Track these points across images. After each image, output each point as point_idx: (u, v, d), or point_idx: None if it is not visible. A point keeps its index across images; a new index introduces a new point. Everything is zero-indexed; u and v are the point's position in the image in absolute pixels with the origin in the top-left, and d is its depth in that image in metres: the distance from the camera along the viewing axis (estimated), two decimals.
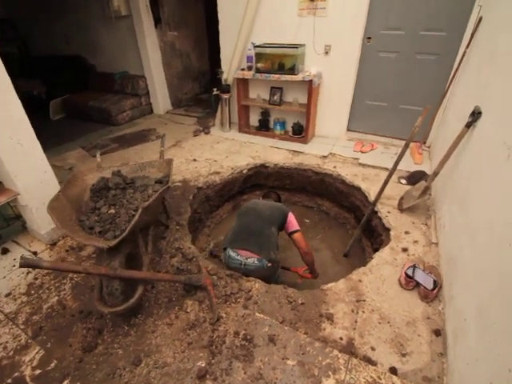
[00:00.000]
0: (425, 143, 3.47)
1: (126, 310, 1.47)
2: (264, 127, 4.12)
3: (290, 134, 3.92)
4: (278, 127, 3.97)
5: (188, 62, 5.53)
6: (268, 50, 3.50)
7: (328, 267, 2.80)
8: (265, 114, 4.12)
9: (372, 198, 2.74)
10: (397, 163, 2.49)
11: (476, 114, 1.84)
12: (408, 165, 3.13)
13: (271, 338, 1.55)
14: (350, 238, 3.01)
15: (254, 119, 4.24)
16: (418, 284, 1.75)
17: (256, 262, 1.88)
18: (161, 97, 5.09)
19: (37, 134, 4.31)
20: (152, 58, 4.69)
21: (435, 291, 1.68)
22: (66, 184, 1.91)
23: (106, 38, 5.05)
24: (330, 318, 1.65)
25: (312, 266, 2.21)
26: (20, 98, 4.95)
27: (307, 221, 3.39)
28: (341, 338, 1.55)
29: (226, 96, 3.98)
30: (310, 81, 3.34)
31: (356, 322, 1.63)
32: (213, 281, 1.86)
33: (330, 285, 1.86)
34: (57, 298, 1.88)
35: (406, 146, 2.29)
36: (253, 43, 3.65)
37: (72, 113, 5.31)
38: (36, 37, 5.97)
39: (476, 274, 1.36)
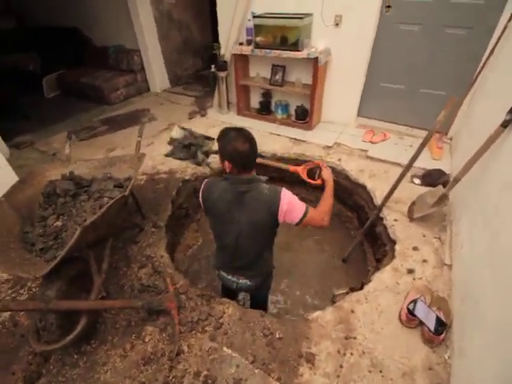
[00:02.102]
0: (446, 134, 3.00)
1: (63, 347, 1.24)
2: (265, 110, 3.71)
3: (293, 118, 3.50)
4: (280, 111, 3.55)
5: (188, 34, 5.04)
6: (268, 21, 3.01)
7: (323, 273, 2.51)
8: (266, 96, 3.69)
9: (378, 199, 2.38)
10: (411, 163, 2.10)
11: None
12: (424, 160, 2.69)
13: (237, 383, 1.31)
14: (351, 241, 2.70)
15: (255, 101, 3.82)
16: (421, 323, 1.44)
17: (249, 282, 1.60)
18: (157, 73, 4.70)
19: (28, 114, 4.14)
20: (146, 30, 4.25)
21: (442, 336, 1.37)
22: (17, 185, 1.66)
23: (100, 7, 4.60)
24: (310, 359, 1.38)
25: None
26: (16, 75, 4.68)
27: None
28: None
29: (222, 74, 3.56)
30: (316, 58, 2.88)
31: (341, 367, 1.36)
32: (180, 301, 1.61)
33: (315, 314, 1.58)
34: (10, 312, 1.69)
35: (423, 145, 1.89)
36: (253, 13, 3.17)
37: (67, 90, 5.02)
38: (32, 7, 5.56)
39: (500, 330, 1.03)
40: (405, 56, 2.90)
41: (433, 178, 2.48)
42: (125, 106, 4.37)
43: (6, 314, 1.68)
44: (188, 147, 1.93)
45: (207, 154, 1.92)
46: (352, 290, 2.07)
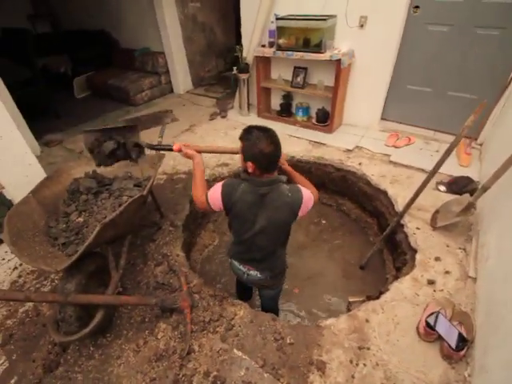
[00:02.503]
0: (476, 140, 2.85)
1: (80, 339, 1.29)
2: (286, 112, 3.70)
3: (314, 121, 3.46)
4: (301, 113, 3.52)
5: (212, 36, 5.12)
6: (291, 23, 3.00)
7: (339, 279, 2.46)
8: (287, 98, 3.67)
9: (400, 206, 2.30)
10: (436, 169, 2.01)
11: None
12: (451, 166, 2.58)
13: None
14: (370, 247, 2.62)
15: (276, 102, 3.81)
16: (440, 337, 1.37)
17: (259, 275, 1.58)
18: (181, 75, 4.80)
19: (59, 113, 4.36)
20: (171, 33, 4.36)
21: (462, 353, 1.29)
22: (44, 182, 1.74)
23: (127, 10, 4.77)
24: (321, 367, 1.35)
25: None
26: (49, 76, 4.95)
27: (324, 222, 3.02)
28: None
29: (244, 76, 3.58)
30: (339, 60, 2.83)
31: (353, 377, 1.32)
32: (193, 301, 1.63)
33: (328, 321, 1.55)
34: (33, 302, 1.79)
35: (449, 151, 1.80)
36: (276, 15, 3.17)
37: (96, 91, 5.24)
38: (64, 11, 5.87)
39: None
40: (433, 58, 2.79)
41: (459, 186, 2.36)
42: (149, 107, 4.50)
43: (30, 304, 1.77)
44: (113, 153, 1.71)
45: (139, 145, 1.74)
46: (368, 298, 2.01)
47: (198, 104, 4.44)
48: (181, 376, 1.35)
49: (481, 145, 2.85)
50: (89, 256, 1.45)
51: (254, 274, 1.54)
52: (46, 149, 3.47)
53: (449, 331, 1.35)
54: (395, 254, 2.35)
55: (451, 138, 2.89)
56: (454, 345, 1.30)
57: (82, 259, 1.38)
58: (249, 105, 3.86)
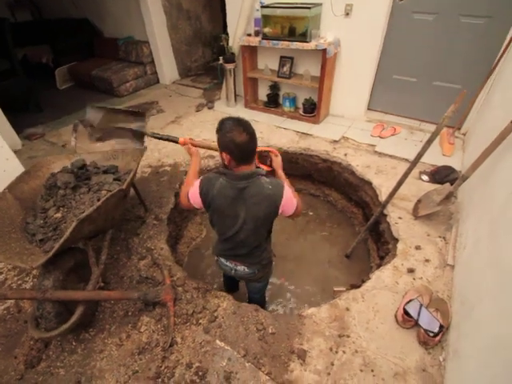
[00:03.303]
0: (459, 129, 2.88)
1: (59, 335, 1.29)
2: (273, 103, 3.67)
3: (301, 111, 3.44)
4: (288, 104, 3.49)
5: (198, 24, 5.00)
6: (276, 11, 2.94)
7: (326, 269, 2.49)
8: (274, 88, 3.64)
9: (384, 196, 2.32)
10: (417, 160, 2.03)
11: None
12: (434, 156, 2.61)
13: (227, 376, 1.32)
14: (356, 237, 2.66)
15: (263, 93, 3.77)
16: (417, 324, 1.40)
17: (246, 269, 1.57)
18: (167, 65, 4.70)
19: (41, 106, 4.23)
20: (155, 21, 4.24)
21: (437, 338, 1.33)
22: (22, 176, 1.71)
23: None
24: (301, 355, 1.38)
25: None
26: (29, 68, 4.76)
27: (311, 213, 3.04)
28: None
29: (230, 66, 3.52)
30: (324, 50, 2.80)
31: (333, 364, 1.35)
32: (177, 294, 1.64)
33: (310, 311, 1.57)
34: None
35: (430, 141, 1.81)
36: (261, 2, 3.11)
37: (79, 82, 5.09)
38: None
39: (494, 335, 1.00)
40: (418, 47, 2.78)
41: (441, 175, 2.39)
42: (134, 99, 4.40)
43: (12, 301, 1.75)
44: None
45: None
46: (352, 286, 2.05)
47: (185, 95, 4.36)
48: (163, 368, 1.36)
49: (464, 134, 2.88)
50: (67, 252, 1.44)
51: (242, 268, 1.54)
52: (27, 142, 3.38)
53: (424, 317, 1.38)
54: (379, 244, 2.39)
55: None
56: (428, 329, 1.34)
57: (60, 255, 1.37)
58: (236, 96, 3.82)
